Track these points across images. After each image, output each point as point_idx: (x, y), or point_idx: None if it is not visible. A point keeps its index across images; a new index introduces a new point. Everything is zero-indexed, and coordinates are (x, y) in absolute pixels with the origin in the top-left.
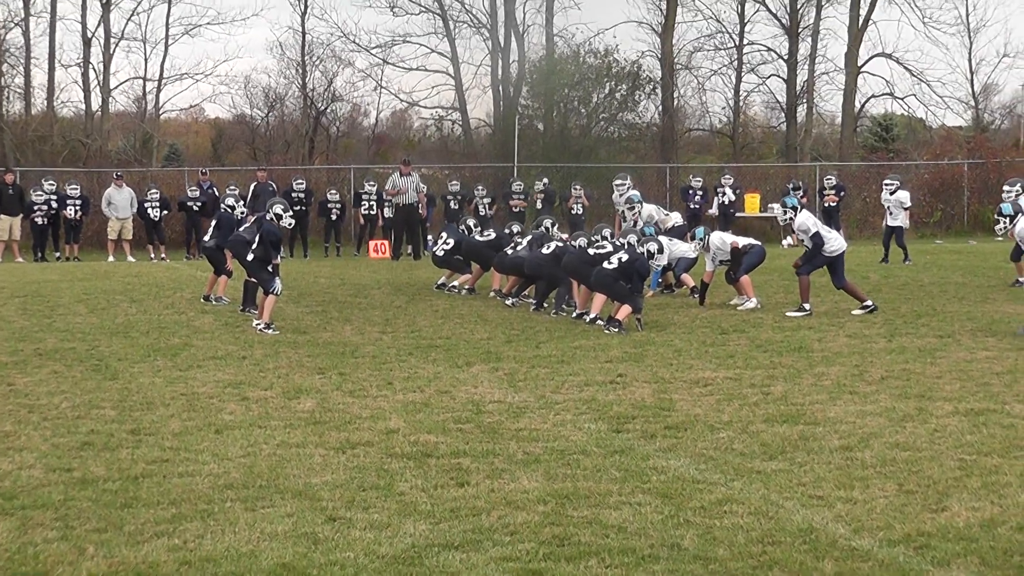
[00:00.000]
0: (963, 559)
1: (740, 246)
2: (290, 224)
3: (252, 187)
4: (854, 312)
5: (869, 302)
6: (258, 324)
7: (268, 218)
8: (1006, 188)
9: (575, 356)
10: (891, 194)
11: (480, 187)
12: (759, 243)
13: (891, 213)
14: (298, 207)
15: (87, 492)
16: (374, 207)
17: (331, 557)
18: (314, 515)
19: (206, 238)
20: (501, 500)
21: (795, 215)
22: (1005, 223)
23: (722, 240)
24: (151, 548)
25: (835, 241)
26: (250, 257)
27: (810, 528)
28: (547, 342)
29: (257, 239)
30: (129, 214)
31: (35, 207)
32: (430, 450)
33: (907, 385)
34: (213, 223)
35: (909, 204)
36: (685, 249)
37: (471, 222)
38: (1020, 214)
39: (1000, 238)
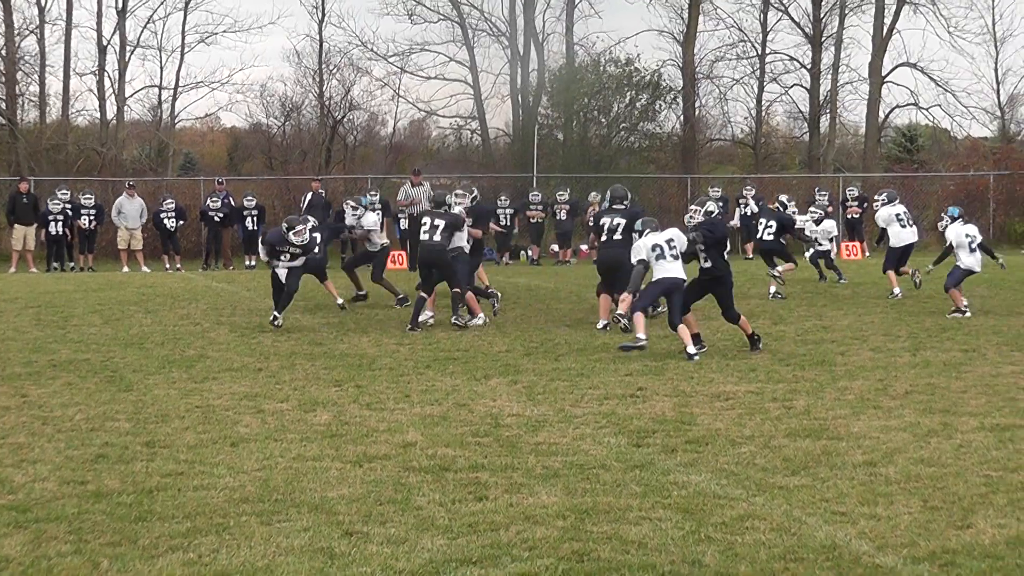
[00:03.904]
0: None
1: None
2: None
3: (307, 197)
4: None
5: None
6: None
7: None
8: None
9: (594, 369)
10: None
11: (503, 197)
12: None
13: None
14: None
15: (101, 505)
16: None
17: (347, 572)
18: (330, 529)
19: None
20: (520, 515)
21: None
22: None
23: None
24: (165, 563)
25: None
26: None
27: (833, 545)
28: (566, 355)
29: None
30: (139, 224)
31: (50, 216)
32: (448, 464)
33: (932, 400)
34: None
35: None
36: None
37: None
38: None
39: None
